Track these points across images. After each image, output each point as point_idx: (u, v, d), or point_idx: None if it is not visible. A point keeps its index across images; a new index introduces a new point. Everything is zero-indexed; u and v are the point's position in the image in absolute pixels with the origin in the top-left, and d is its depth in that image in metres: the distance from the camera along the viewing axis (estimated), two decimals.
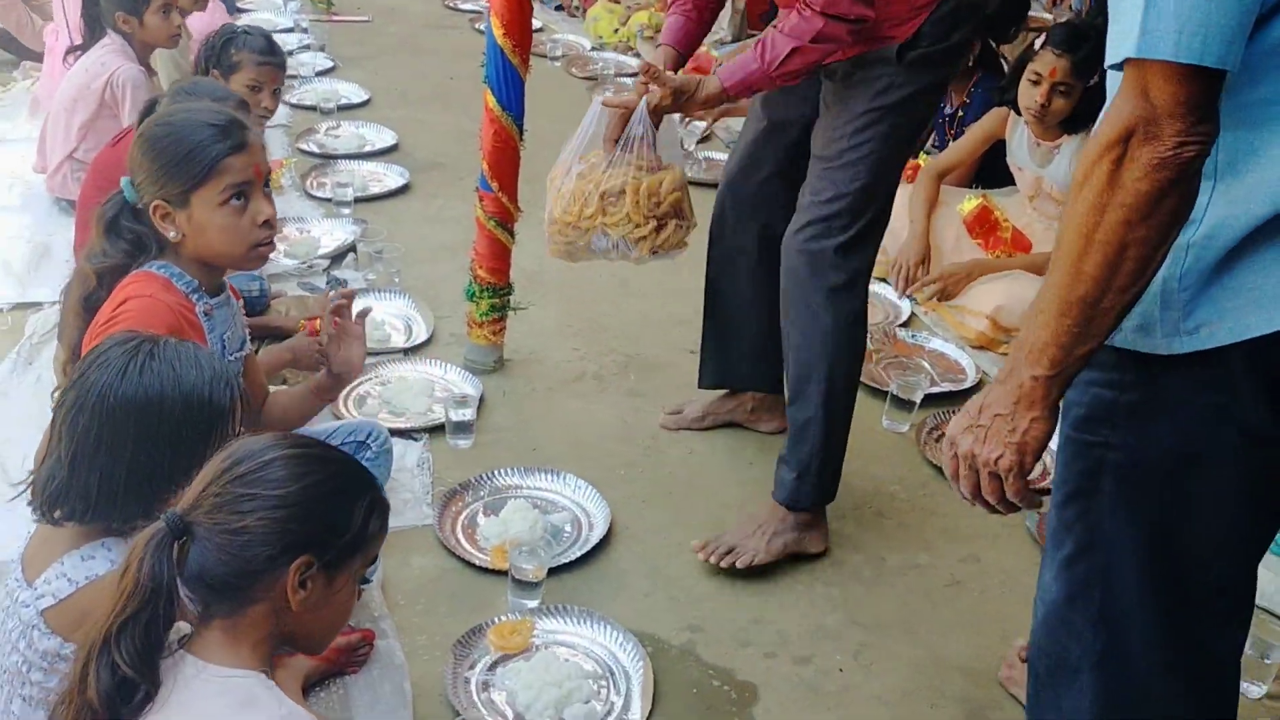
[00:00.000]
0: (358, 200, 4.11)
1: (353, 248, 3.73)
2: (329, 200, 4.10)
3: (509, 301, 3.12)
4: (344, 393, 2.95)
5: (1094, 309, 1.23)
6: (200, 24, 4.32)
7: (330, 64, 5.67)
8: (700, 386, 2.97)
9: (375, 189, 4.33)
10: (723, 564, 2.46)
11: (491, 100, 2.86)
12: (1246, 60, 1.16)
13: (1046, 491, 1.53)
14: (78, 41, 3.75)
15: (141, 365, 1.58)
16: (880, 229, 2.46)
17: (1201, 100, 1.15)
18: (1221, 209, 1.23)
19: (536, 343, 3.33)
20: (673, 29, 2.64)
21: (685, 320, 3.31)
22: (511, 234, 3.03)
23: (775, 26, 2.24)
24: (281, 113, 4.84)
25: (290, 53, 5.72)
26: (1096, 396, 1.38)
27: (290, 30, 6.14)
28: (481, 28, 4.63)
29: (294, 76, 5.38)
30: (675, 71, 2.54)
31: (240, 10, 6.20)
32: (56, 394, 1.65)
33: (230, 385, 1.64)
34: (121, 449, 1.57)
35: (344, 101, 5.18)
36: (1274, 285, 1.23)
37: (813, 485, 2.50)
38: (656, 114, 2.36)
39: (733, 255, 2.78)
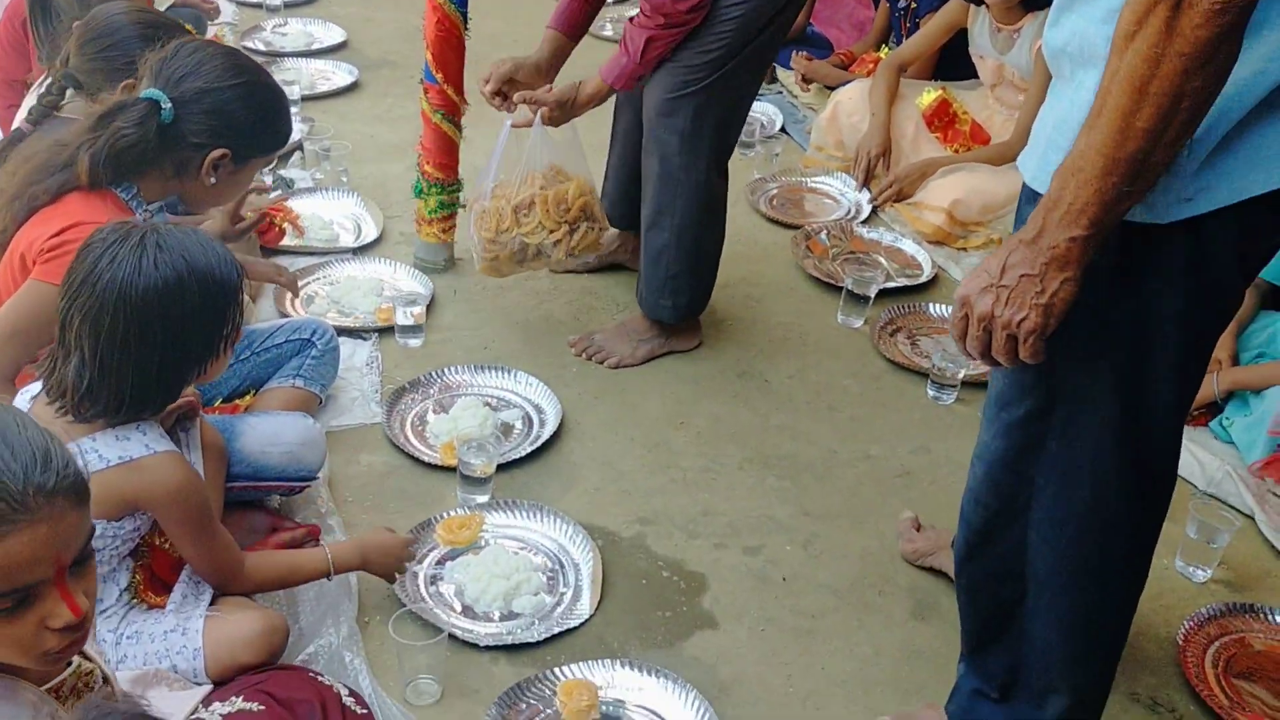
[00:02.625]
0: (305, 99, 3.99)
1: (299, 146, 3.64)
2: None
3: (458, 198, 3.05)
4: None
5: (1142, 165, 1.20)
6: None
7: None
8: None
9: (323, 87, 4.21)
10: (592, 360, 2.77)
11: None
12: None
13: None
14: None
15: (155, 258, 1.58)
16: (742, 91, 2.61)
17: None
18: (1241, 71, 1.19)
19: None
20: (561, 13, 2.70)
21: None
22: (459, 127, 2.95)
23: (630, 20, 2.49)
24: (227, 10, 4.69)
25: None
26: None
27: None
28: None
29: None
30: (564, 54, 2.72)
31: None
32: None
33: (233, 263, 1.67)
34: (150, 342, 1.60)
35: None
36: (1277, 145, 1.23)
37: (672, 304, 2.75)
38: (554, 124, 2.61)
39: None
